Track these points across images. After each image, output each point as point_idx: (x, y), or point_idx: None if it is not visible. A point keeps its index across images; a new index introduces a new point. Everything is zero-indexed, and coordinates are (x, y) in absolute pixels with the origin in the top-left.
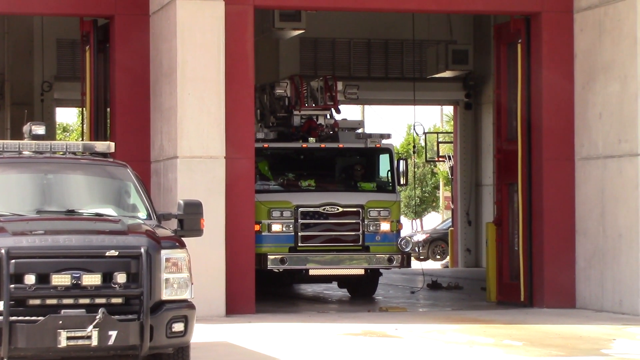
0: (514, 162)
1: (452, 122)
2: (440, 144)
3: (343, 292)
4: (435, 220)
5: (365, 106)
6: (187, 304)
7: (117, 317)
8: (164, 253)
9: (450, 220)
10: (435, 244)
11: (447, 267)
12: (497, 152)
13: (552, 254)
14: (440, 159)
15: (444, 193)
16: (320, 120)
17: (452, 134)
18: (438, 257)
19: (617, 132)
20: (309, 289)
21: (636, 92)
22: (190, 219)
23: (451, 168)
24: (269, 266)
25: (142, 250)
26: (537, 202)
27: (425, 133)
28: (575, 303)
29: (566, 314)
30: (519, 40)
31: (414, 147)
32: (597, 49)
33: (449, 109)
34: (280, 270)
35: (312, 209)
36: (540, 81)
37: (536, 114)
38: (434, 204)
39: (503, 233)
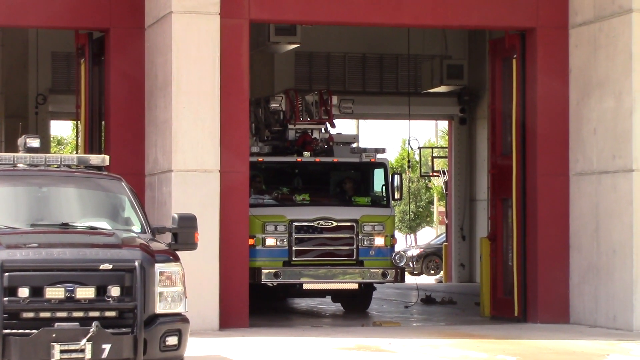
0: (509, 177)
1: (446, 137)
2: (434, 159)
3: (337, 307)
4: (429, 235)
5: (360, 120)
6: (181, 318)
7: (110, 330)
8: (158, 267)
9: (444, 235)
10: (429, 258)
11: (441, 282)
12: (491, 167)
13: (546, 269)
14: (435, 173)
15: (438, 208)
16: (315, 135)
17: (446, 149)
18: (432, 271)
19: (611, 148)
20: (302, 303)
21: (631, 108)
22: (184, 233)
23: (445, 183)
24: (263, 280)
25: (136, 263)
26: (532, 217)
27: (419, 148)
28: (569, 318)
29: (560, 329)
30: (514, 56)
31: (408, 161)
32: (591, 64)
33: (443, 124)
34: (274, 284)
35: (306, 223)
36: (535, 96)
37: (531, 130)
38: (428, 219)
39: (497, 248)
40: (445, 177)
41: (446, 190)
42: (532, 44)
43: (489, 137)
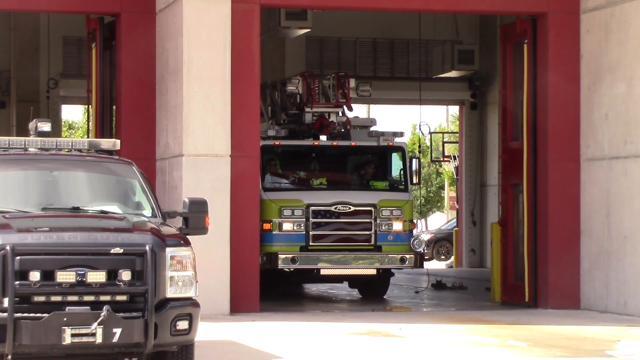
0: (519, 163)
1: (457, 122)
2: (445, 144)
3: (348, 292)
4: (440, 220)
5: (371, 105)
6: (191, 302)
7: (121, 314)
8: (169, 251)
9: (455, 220)
10: (440, 244)
11: (451, 267)
12: (502, 152)
13: (556, 255)
14: (446, 159)
15: (449, 193)
16: (332, 118)
17: (457, 134)
18: (442, 257)
19: (622, 133)
20: (313, 287)
21: None
22: (195, 217)
23: (456, 168)
24: (280, 265)
25: (147, 247)
26: (542, 202)
27: (430, 133)
28: (579, 304)
29: (570, 315)
30: (525, 41)
31: (419, 146)
32: (603, 49)
33: (454, 109)
34: (291, 269)
35: (323, 208)
36: (546, 82)
37: (542, 115)
38: (439, 204)
39: (508, 233)
40: (456, 162)
41: (457, 175)
42: (543, 29)
43: (499, 122)
